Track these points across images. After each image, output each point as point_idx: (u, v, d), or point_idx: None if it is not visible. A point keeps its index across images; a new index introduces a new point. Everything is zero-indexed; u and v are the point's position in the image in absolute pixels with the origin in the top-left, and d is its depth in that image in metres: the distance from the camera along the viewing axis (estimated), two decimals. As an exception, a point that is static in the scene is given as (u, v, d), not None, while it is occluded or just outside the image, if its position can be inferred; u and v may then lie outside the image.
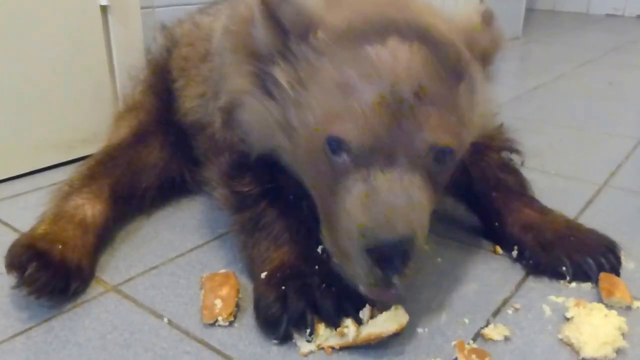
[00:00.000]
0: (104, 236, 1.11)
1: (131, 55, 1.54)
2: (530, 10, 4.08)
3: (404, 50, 0.82)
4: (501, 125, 1.24)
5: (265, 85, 0.90)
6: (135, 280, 1.02)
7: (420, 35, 0.84)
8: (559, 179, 1.46)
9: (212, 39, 1.23)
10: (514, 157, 1.23)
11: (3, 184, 1.41)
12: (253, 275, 0.96)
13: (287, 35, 0.86)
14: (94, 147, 1.32)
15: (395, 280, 0.78)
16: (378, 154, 0.79)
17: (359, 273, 0.80)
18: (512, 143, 1.24)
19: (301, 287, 0.86)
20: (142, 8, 1.62)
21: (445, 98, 0.83)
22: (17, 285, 0.92)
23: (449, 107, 0.83)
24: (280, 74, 0.87)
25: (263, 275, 0.91)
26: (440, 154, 0.82)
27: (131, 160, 1.23)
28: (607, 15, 4.89)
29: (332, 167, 0.82)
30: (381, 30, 0.83)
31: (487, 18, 0.95)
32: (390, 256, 0.76)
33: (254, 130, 0.95)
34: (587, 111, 2.14)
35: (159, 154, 1.29)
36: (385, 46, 0.82)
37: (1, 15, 1.33)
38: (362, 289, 0.82)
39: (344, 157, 0.81)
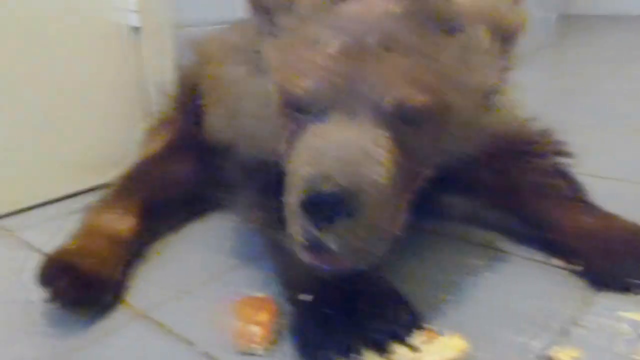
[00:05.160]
0: (135, 251, 1.09)
1: (163, 75, 1.51)
2: (567, 16, 3.98)
3: (381, 3, 0.78)
4: (547, 128, 1.16)
5: (259, 67, 0.89)
6: (167, 306, 0.96)
7: None
8: (610, 182, 1.36)
9: None
10: (565, 160, 1.14)
11: (35, 210, 1.38)
12: (291, 298, 0.89)
13: (272, 13, 0.86)
14: (126, 170, 1.28)
15: (333, 244, 0.69)
16: (338, 107, 0.74)
17: (295, 233, 0.72)
18: (560, 146, 1.15)
19: (347, 310, 0.78)
20: (174, 27, 1.58)
21: (424, 51, 0.77)
22: (50, 300, 0.90)
23: (429, 61, 0.77)
24: (265, 47, 0.87)
25: (303, 297, 0.83)
26: (410, 113, 0.75)
27: (162, 175, 1.21)
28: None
29: (296, 122, 0.78)
30: None
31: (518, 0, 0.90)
32: (326, 212, 0.68)
33: (253, 119, 0.93)
34: (629, 110, 2.02)
35: (190, 169, 1.26)
36: (363, 1, 0.79)
37: (31, 38, 1.31)
38: (300, 253, 0.75)
39: (304, 112, 0.77)
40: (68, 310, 0.91)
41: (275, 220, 0.95)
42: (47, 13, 1.33)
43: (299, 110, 0.78)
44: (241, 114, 0.99)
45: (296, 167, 0.74)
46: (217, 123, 1.22)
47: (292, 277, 0.90)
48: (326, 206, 0.68)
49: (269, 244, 1.00)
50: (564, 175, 1.08)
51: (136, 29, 1.50)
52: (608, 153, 1.58)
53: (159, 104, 1.45)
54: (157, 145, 1.27)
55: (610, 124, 1.88)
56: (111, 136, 1.49)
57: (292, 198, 0.73)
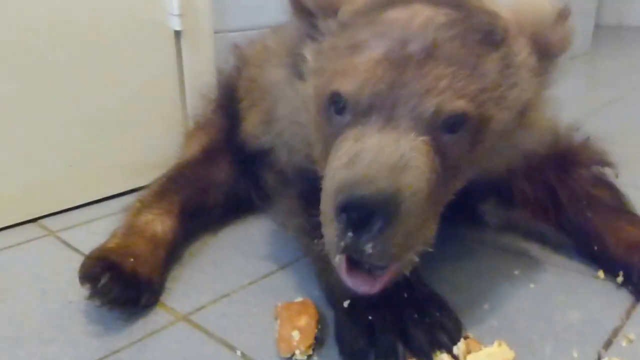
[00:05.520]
0: (173, 252, 1.10)
1: (203, 79, 1.53)
2: (596, 26, 3.93)
3: (425, 11, 0.78)
4: (588, 138, 1.14)
5: (298, 70, 0.89)
6: (207, 309, 0.96)
7: (451, 2, 0.81)
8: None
9: None
10: (607, 170, 1.13)
11: (76, 210, 1.40)
12: (333, 303, 0.89)
13: (314, 17, 0.87)
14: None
15: (369, 247, 0.68)
16: (378, 112, 0.73)
17: (331, 241, 0.71)
18: (602, 155, 1.13)
19: (390, 316, 0.77)
20: (215, 32, 1.61)
21: (466, 61, 0.76)
22: (91, 296, 0.92)
23: (470, 71, 0.76)
24: (307, 51, 0.87)
25: (346, 303, 0.83)
26: (451, 120, 0.75)
27: (200, 177, 1.22)
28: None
29: (334, 126, 0.78)
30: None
31: (564, 15, 0.88)
32: (364, 215, 0.66)
33: (288, 124, 0.93)
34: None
35: (227, 171, 1.27)
36: (407, 8, 0.79)
37: (77, 41, 1.34)
38: (338, 269, 0.75)
39: (344, 115, 0.76)
40: (107, 308, 0.92)
41: (313, 227, 0.96)
42: (92, 18, 1.35)
43: (338, 112, 0.78)
44: (277, 117, 0.99)
45: (333, 170, 0.73)
46: (254, 127, 1.24)
47: (334, 283, 0.90)
48: (364, 209, 0.67)
49: (308, 251, 1.00)
50: (606, 185, 1.07)
51: (178, 33, 1.52)
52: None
53: (198, 107, 1.46)
54: (195, 148, 1.29)
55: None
56: (152, 138, 1.51)
57: (328, 202, 0.72)
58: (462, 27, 0.78)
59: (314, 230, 0.95)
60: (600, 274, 1.00)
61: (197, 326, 0.92)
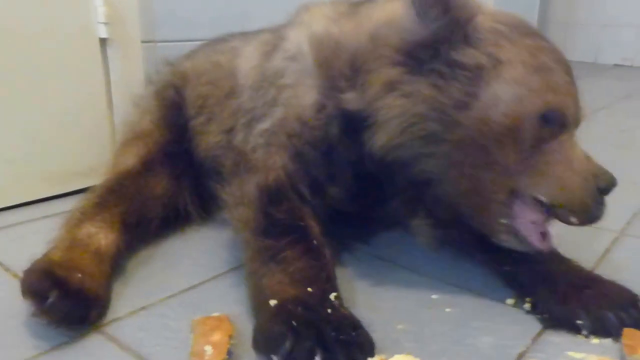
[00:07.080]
0: (116, 265, 1.08)
1: (131, 88, 1.52)
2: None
3: (547, 41, 1.01)
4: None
5: (421, 70, 0.95)
6: (123, 321, 0.95)
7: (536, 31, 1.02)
8: (573, 227, 1.38)
9: (237, 75, 1.28)
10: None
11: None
12: (258, 303, 0.91)
13: (455, 20, 0.95)
14: (90, 180, 1.28)
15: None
16: (574, 123, 0.99)
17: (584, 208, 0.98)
18: None
19: (313, 326, 0.79)
20: (143, 42, 1.60)
21: None
22: (37, 314, 0.88)
23: None
24: (463, 55, 0.94)
25: (272, 302, 0.85)
26: None
27: (139, 190, 1.21)
28: (615, 65, 4.87)
29: (539, 134, 0.94)
30: (533, 28, 1.02)
31: None
32: (607, 193, 1.00)
33: (400, 120, 0.96)
34: (600, 159, 2.05)
35: (167, 184, 1.27)
36: (539, 39, 0.99)
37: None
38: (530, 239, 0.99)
39: (553, 125, 0.95)
40: (55, 326, 0.89)
41: (263, 224, 0.99)
42: (15, 23, 1.34)
43: (549, 123, 0.94)
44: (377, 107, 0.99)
45: (577, 162, 0.99)
46: (216, 136, 1.27)
47: (265, 284, 0.92)
48: (609, 193, 1.01)
49: (246, 247, 1.01)
50: None
51: (104, 41, 1.52)
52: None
53: (132, 115, 1.44)
54: (133, 158, 1.26)
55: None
56: (77, 146, 1.48)
57: (582, 182, 0.98)
58: None
59: (263, 226, 0.99)
60: (510, 301, 1.04)
61: (111, 338, 0.90)
